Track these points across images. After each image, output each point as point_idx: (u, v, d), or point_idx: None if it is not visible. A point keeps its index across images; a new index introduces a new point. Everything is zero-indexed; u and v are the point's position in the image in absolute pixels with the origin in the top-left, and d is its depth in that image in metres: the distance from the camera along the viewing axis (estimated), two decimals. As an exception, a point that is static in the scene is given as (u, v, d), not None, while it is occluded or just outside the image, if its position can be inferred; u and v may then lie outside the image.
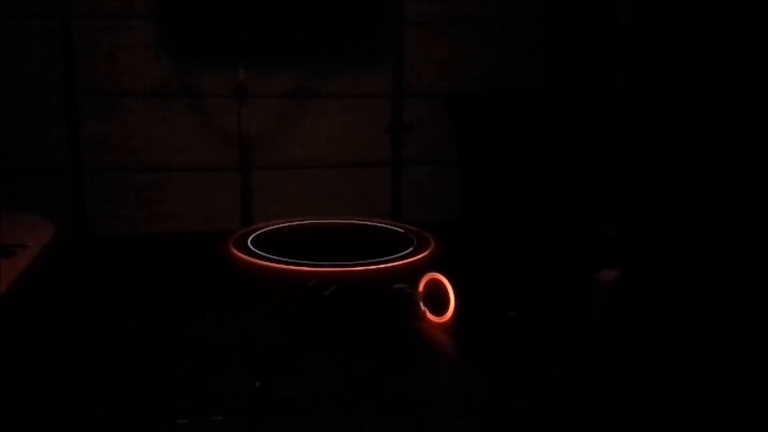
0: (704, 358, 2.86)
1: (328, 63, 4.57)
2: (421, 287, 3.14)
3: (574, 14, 4.57)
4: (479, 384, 2.64)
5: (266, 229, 4.14)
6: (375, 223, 4.27)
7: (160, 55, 4.37)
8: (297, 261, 3.50)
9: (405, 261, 3.61)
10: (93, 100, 4.34)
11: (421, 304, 3.13)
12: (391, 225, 4.30)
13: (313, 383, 2.61)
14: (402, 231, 4.11)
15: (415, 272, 3.55)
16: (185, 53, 4.41)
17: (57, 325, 3.09)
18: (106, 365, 2.73)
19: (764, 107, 3.35)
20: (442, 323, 3.05)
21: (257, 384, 2.57)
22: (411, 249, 3.75)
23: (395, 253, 3.65)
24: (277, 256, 3.57)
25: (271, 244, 3.80)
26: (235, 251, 3.68)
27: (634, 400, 2.55)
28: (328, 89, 4.60)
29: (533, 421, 2.41)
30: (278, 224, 4.22)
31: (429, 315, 3.11)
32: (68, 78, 4.28)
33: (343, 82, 4.60)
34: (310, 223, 4.26)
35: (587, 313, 3.35)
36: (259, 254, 3.62)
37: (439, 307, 3.06)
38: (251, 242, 3.82)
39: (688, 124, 3.78)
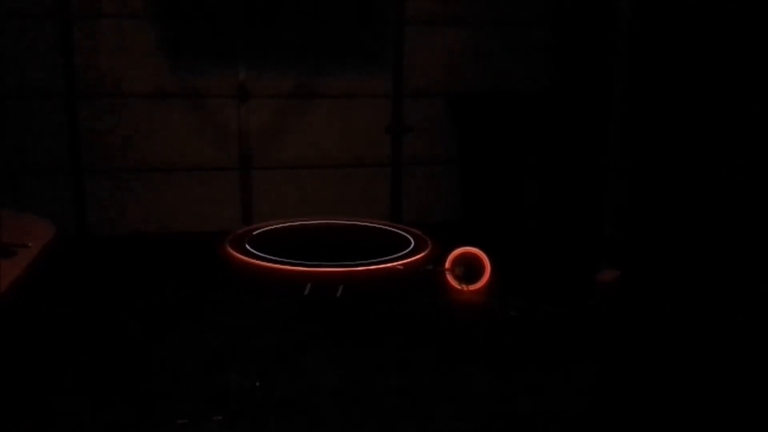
0: (704, 358, 2.86)
1: (328, 63, 4.56)
2: (448, 264, 3.47)
3: (574, 14, 4.57)
4: (479, 384, 2.64)
5: (264, 229, 4.13)
6: (372, 224, 4.26)
7: (160, 55, 4.37)
8: (292, 261, 3.50)
9: (403, 261, 3.61)
10: (93, 100, 4.34)
11: (451, 279, 3.44)
12: (388, 226, 4.29)
13: (313, 383, 2.61)
14: (399, 232, 4.11)
15: (414, 272, 3.56)
16: (185, 53, 4.41)
17: (57, 325, 3.09)
18: (106, 365, 2.73)
19: (764, 107, 3.35)
20: (477, 289, 3.44)
21: (257, 384, 2.57)
22: (409, 249, 3.75)
23: (393, 254, 3.65)
24: (275, 256, 3.56)
25: (268, 244, 3.79)
26: (231, 251, 3.67)
27: (634, 400, 2.55)
28: (328, 89, 4.60)
29: (533, 421, 2.41)
30: (276, 224, 4.22)
31: (461, 286, 3.43)
32: (68, 78, 4.28)
33: (343, 82, 4.60)
34: (308, 224, 4.25)
35: (587, 313, 3.35)
36: (255, 254, 3.62)
37: (472, 277, 3.44)
38: (248, 242, 3.81)
39: (688, 124, 3.78)
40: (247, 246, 3.74)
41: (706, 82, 3.66)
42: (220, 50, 4.43)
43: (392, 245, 3.78)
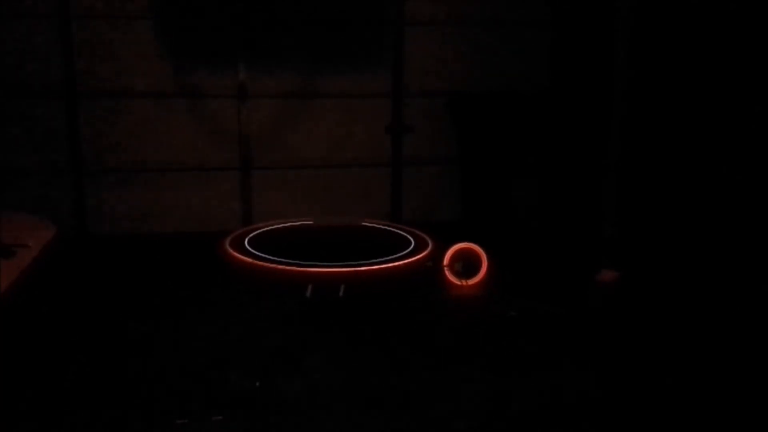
0: (704, 358, 2.86)
1: (328, 63, 4.56)
2: (447, 260, 3.57)
3: (574, 14, 4.58)
4: (479, 384, 2.64)
5: (264, 229, 4.13)
6: (372, 224, 4.26)
7: (160, 55, 4.37)
8: (292, 261, 3.49)
9: (404, 261, 3.61)
10: (93, 100, 4.34)
11: (450, 274, 3.55)
12: (388, 226, 4.29)
13: (313, 383, 2.61)
14: (399, 231, 4.11)
15: (415, 272, 3.56)
16: (185, 53, 4.41)
17: (57, 325, 3.09)
18: (106, 365, 2.73)
19: (764, 107, 3.35)
20: (476, 283, 3.56)
21: (257, 384, 2.57)
22: (409, 249, 3.75)
23: (393, 254, 3.65)
24: (275, 256, 3.56)
25: (268, 244, 3.79)
26: (231, 251, 3.67)
27: (634, 400, 2.55)
28: (328, 89, 4.60)
29: (534, 421, 2.41)
30: (276, 224, 4.22)
31: (460, 282, 3.54)
32: (68, 78, 4.28)
33: (343, 82, 4.60)
34: (308, 224, 4.25)
35: (587, 313, 3.35)
36: (255, 254, 3.62)
37: (470, 271, 3.58)
38: (248, 242, 3.81)
39: (688, 124, 3.79)
40: (247, 246, 3.74)
41: (706, 82, 3.66)
42: (220, 50, 4.43)
43: (392, 245, 3.78)
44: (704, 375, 2.73)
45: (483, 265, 3.58)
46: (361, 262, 3.51)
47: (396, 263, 3.56)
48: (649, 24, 4.04)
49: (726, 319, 3.17)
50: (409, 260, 3.62)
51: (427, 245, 3.78)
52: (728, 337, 3.03)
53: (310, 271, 3.45)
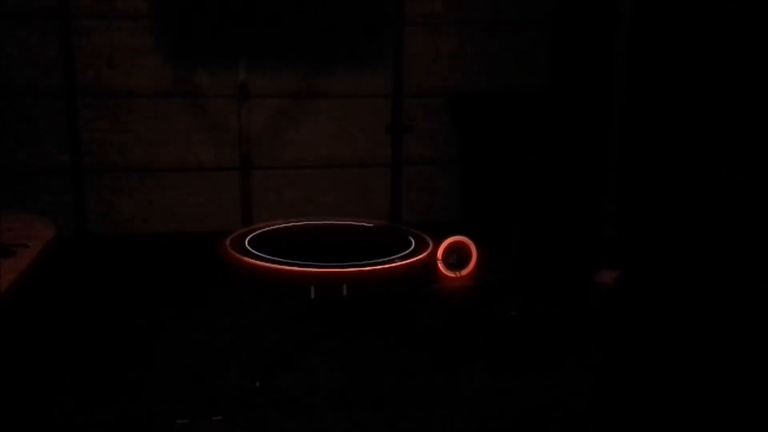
0: (704, 358, 2.86)
1: (328, 63, 4.56)
2: (440, 254, 3.68)
3: (574, 14, 4.57)
4: (479, 384, 2.64)
5: (264, 229, 4.13)
6: (372, 224, 4.26)
7: (160, 55, 4.37)
8: (291, 261, 3.49)
9: (407, 261, 3.61)
10: (93, 100, 4.34)
11: (444, 267, 3.65)
12: (388, 226, 4.29)
13: (313, 383, 2.61)
14: (399, 231, 4.11)
15: (416, 273, 3.57)
16: (185, 53, 4.40)
17: (57, 325, 3.09)
18: (106, 365, 2.74)
19: (764, 107, 3.35)
20: (467, 274, 3.69)
21: (257, 384, 2.58)
22: (410, 249, 3.75)
23: (393, 254, 3.65)
24: (275, 256, 3.56)
25: (268, 244, 3.79)
26: (231, 251, 3.67)
27: (634, 400, 2.56)
28: (328, 89, 4.60)
29: (534, 421, 2.42)
30: (276, 224, 4.22)
31: (455, 274, 3.67)
32: (68, 78, 4.28)
33: (343, 82, 4.60)
34: (308, 224, 4.25)
35: (587, 313, 3.35)
36: (255, 254, 3.61)
37: (462, 263, 3.71)
38: (248, 242, 3.81)
39: (688, 124, 3.79)
40: (248, 246, 3.74)
41: (706, 82, 3.66)
42: (220, 50, 4.43)
43: (392, 245, 3.78)
44: (704, 375, 2.73)
45: (473, 255, 3.69)
46: (364, 262, 3.51)
47: (398, 263, 3.56)
48: (649, 24, 4.04)
49: (726, 319, 3.17)
50: (412, 260, 3.62)
51: (427, 245, 3.79)
52: (728, 336, 3.03)
53: (312, 271, 3.44)
